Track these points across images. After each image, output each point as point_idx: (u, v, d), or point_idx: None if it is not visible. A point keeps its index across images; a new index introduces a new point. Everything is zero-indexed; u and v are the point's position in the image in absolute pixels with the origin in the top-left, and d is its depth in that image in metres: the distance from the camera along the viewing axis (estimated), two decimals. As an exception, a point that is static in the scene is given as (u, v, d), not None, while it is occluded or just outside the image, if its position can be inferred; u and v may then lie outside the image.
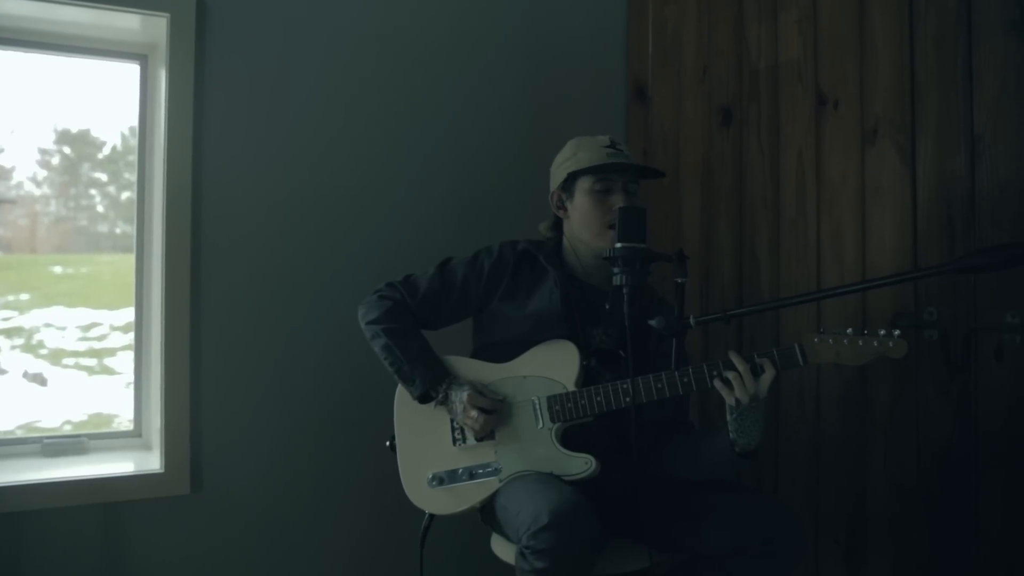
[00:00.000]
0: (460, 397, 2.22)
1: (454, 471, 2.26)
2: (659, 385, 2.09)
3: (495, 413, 2.22)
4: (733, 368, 2.01)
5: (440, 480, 2.27)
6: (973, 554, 2.31)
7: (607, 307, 2.19)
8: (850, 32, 2.61)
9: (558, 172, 2.38)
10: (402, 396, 2.36)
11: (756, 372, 2.00)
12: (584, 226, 2.31)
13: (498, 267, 2.36)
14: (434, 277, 2.38)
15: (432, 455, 2.29)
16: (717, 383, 2.02)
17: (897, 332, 1.94)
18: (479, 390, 2.24)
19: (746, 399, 1.99)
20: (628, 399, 2.11)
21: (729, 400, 2.02)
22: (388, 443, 2.39)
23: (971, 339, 2.31)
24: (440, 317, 2.40)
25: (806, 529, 2.57)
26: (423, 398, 2.28)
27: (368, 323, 2.34)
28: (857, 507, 2.58)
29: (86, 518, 2.64)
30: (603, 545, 1.98)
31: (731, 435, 2.06)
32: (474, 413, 2.20)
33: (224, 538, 2.79)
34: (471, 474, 2.24)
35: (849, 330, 1.96)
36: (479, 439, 2.24)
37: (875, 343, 1.95)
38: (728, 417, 2.06)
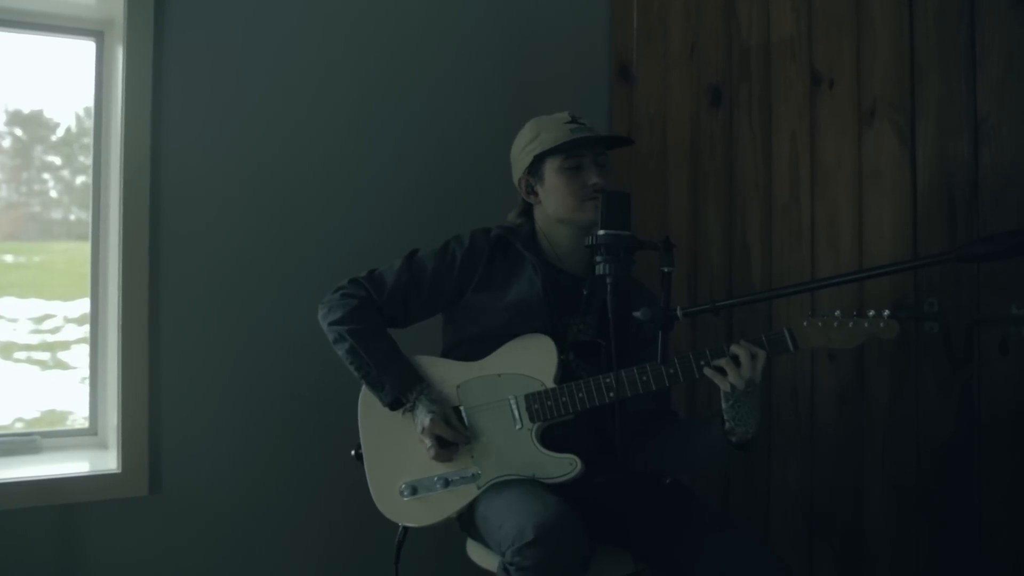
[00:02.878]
0: (423, 419, 2.15)
1: (428, 479, 2.19)
2: (644, 378, 2.05)
3: (454, 446, 2.17)
4: (722, 355, 1.98)
5: (413, 490, 2.20)
6: (976, 559, 2.28)
7: (585, 292, 2.17)
8: (846, 8, 2.58)
9: (522, 157, 2.31)
10: (366, 400, 2.28)
11: (749, 354, 1.96)
12: (560, 205, 2.25)
13: (471, 256, 2.29)
14: (401, 271, 2.30)
15: (403, 463, 2.22)
16: (708, 371, 1.99)
17: (887, 312, 1.93)
18: (445, 418, 2.17)
19: (741, 384, 1.95)
20: (612, 394, 2.06)
21: (724, 387, 1.98)
22: (353, 452, 2.32)
23: (974, 332, 2.29)
24: (410, 314, 2.32)
25: (799, 533, 2.61)
26: (393, 405, 2.21)
27: (331, 324, 2.25)
28: (853, 509, 2.54)
29: (39, 521, 2.57)
30: (591, 558, 1.94)
31: (727, 424, 2.02)
32: (428, 442, 2.14)
33: (184, 542, 2.73)
34: (446, 482, 2.17)
35: (838, 312, 1.95)
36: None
37: (865, 324, 1.94)
38: (724, 404, 2.01)
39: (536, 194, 2.31)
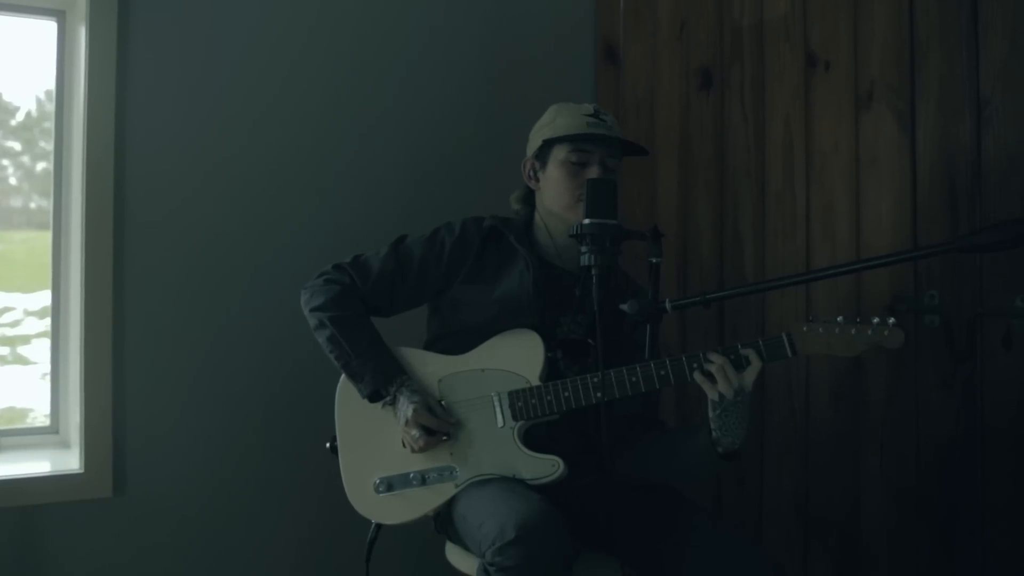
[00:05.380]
0: (406, 410, 2.10)
1: (404, 475, 2.13)
2: (633, 379, 2.00)
3: (440, 435, 2.11)
4: (716, 359, 1.94)
5: (388, 485, 2.14)
6: (979, 563, 2.27)
7: (577, 292, 2.15)
8: (843, -15, 2.56)
9: (534, 138, 2.29)
10: (345, 391, 2.23)
11: (740, 364, 1.93)
12: (555, 199, 2.22)
13: (461, 246, 2.24)
14: (387, 258, 2.25)
15: (379, 457, 2.16)
16: (698, 376, 1.95)
17: (892, 320, 1.89)
18: (430, 407, 2.12)
19: (731, 393, 1.91)
20: (600, 394, 2.02)
21: (712, 395, 1.94)
22: (329, 444, 2.28)
23: (977, 325, 2.28)
24: (394, 303, 2.28)
25: (794, 535, 2.61)
26: (372, 397, 2.16)
27: (312, 310, 2.21)
28: (850, 511, 2.53)
29: (-2, 524, 2.61)
30: (575, 558, 1.90)
31: (714, 434, 1.97)
32: (415, 432, 2.08)
33: (150, 545, 2.69)
34: (423, 479, 2.12)
35: (840, 318, 1.91)
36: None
37: (869, 332, 1.89)
38: (711, 413, 1.97)
39: (537, 180, 2.28)
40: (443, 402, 2.15)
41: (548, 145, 2.22)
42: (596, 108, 2.24)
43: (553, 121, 2.24)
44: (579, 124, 2.19)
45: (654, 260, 1.96)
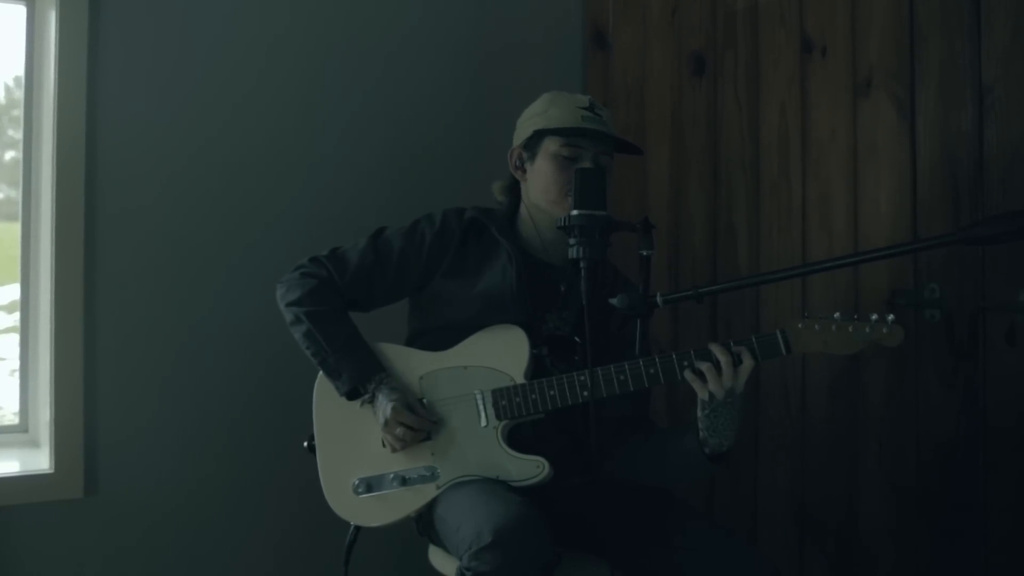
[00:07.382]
0: (385, 409, 2.07)
1: (383, 476, 2.11)
2: (621, 377, 1.98)
3: (421, 435, 2.09)
4: (707, 358, 1.91)
5: (368, 486, 2.12)
6: (981, 565, 2.23)
7: (562, 288, 2.15)
8: (840, -32, 2.55)
9: (524, 127, 2.25)
10: (322, 389, 2.21)
11: (733, 362, 1.90)
12: (541, 193, 2.18)
13: (441, 239, 2.21)
14: (366, 250, 2.22)
15: (358, 457, 2.14)
16: (688, 374, 1.92)
17: (891, 317, 1.86)
18: (410, 405, 2.09)
19: (721, 394, 1.89)
20: (587, 393, 1.99)
21: (702, 394, 1.92)
22: (306, 443, 2.24)
23: (979, 320, 2.24)
24: (373, 297, 2.25)
25: (790, 537, 2.58)
26: (350, 395, 2.13)
27: (288, 305, 2.18)
28: (848, 512, 2.51)
29: (-36, 526, 2.57)
30: (556, 564, 1.86)
31: (702, 434, 1.96)
32: (398, 431, 2.05)
33: (122, 548, 2.67)
34: (403, 480, 2.09)
35: (837, 315, 1.89)
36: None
37: (867, 329, 1.87)
38: (699, 413, 1.95)
39: (524, 171, 2.24)
40: (424, 400, 2.12)
41: (539, 136, 2.19)
42: (592, 101, 2.20)
43: (546, 111, 2.20)
44: (573, 117, 2.15)
45: (645, 253, 1.94)
